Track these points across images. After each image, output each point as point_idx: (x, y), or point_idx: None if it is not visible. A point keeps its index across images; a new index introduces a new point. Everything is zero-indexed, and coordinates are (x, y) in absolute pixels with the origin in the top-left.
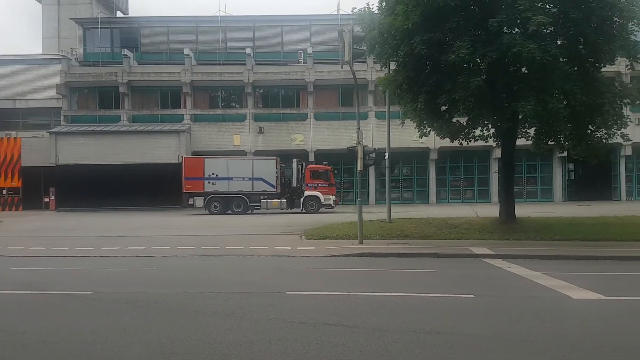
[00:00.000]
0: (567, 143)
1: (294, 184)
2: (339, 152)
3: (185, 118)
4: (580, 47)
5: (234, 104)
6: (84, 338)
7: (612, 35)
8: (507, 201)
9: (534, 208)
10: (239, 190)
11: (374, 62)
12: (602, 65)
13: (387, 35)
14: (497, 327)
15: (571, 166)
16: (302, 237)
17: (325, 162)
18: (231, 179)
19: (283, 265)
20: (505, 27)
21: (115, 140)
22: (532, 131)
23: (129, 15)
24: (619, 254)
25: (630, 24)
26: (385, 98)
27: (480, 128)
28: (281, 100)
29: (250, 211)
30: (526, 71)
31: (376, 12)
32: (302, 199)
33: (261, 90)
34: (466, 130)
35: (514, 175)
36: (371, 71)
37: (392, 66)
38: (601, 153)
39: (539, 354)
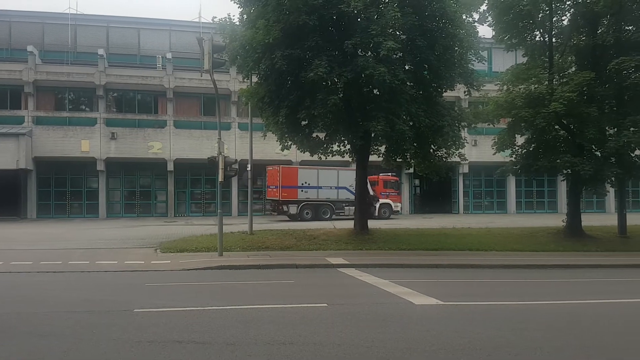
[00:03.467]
0: (412, 160)
1: (370, 192)
2: (201, 162)
3: (26, 120)
4: (425, 72)
5: (83, 107)
6: None
7: (453, 63)
8: (361, 214)
9: (385, 220)
10: (326, 198)
11: (237, 72)
12: (443, 90)
13: (249, 48)
14: (346, 334)
15: (417, 182)
16: (157, 250)
17: (392, 174)
18: (320, 187)
19: (133, 281)
20: (360, 50)
21: None
22: (382, 148)
23: None
24: (456, 262)
25: (469, 54)
26: (248, 110)
27: (337, 144)
28: (137, 106)
29: (333, 218)
30: (377, 93)
31: (237, 23)
32: (377, 206)
33: (115, 94)
34: (325, 145)
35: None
36: (234, 82)
37: (255, 79)
38: (442, 170)
39: (383, 358)
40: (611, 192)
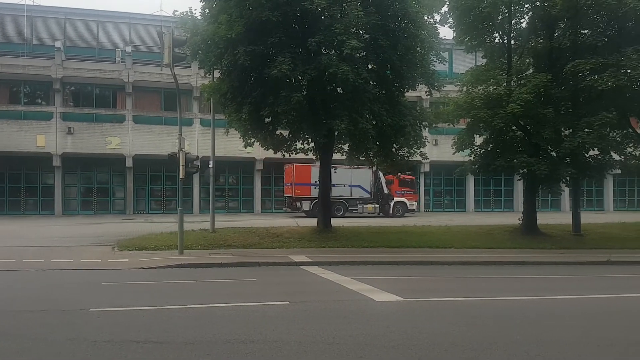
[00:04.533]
0: (375, 159)
1: (385, 191)
2: (161, 159)
3: None
4: (388, 72)
5: (39, 101)
6: None
7: (415, 64)
8: (325, 211)
9: (348, 218)
10: (340, 196)
11: (198, 68)
12: (405, 90)
13: (211, 43)
14: (308, 331)
15: None
16: (115, 248)
17: (409, 172)
18: (334, 185)
19: (90, 279)
20: (324, 48)
21: None
22: (346, 147)
23: None
24: (416, 260)
25: (430, 55)
26: (211, 106)
27: (301, 141)
28: (95, 100)
29: (347, 214)
30: (341, 91)
31: (199, 18)
32: (392, 204)
33: (72, 88)
34: (288, 142)
35: (331, 186)
36: (196, 77)
37: (217, 74)
38: (404, 169)
39: (343, 355)
40: (566, 192)
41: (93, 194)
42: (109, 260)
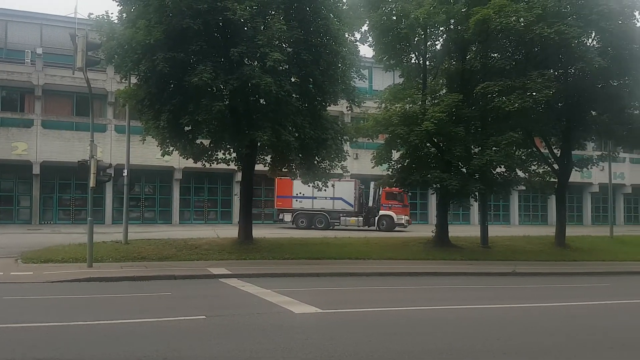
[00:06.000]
0: (298, 171)
1: (370, 204)
2: (71, 166)
3: None
4: (310, 86)
5: None
6: None
7: (336, 79)
8: (246, 223)
9: (271, 230)
10: (321, 208)
11: (114, 72)
12: (327, 104)
13: (128, 48)
14: (224, 346)
15: None
16: (19, 260)
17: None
18: (315, 197)
19: None
20: (247, 59)
21: None
22: (269, 158)
23: None
24: (336, 271)
25: (351, 71)
26: (126, 112)
27: (222, 151)
28: (1, 103)
29: (331, 227)
30: (264, 102)
31: (116, 21)
32: (377, 218)
33: None
34: (209, 152)
35: (252, 198)
36: (111, 82)
37: (134, 80)
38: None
39: None
40: (475, 206)
41: None
42: (12, 274)
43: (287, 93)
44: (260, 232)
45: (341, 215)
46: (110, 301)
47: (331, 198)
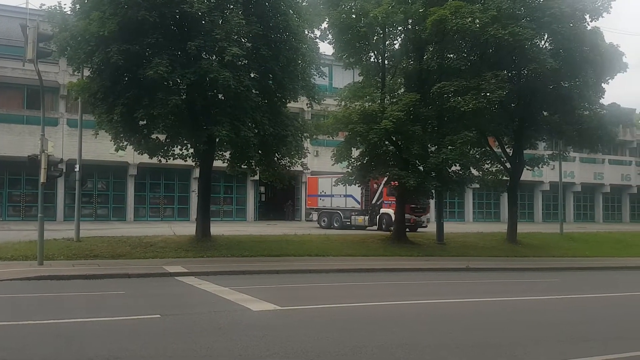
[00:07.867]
0: (257, 168)
1: (374, 201)
2: (21, 161)
3: None
4: (270, 82)
5: None
6: None
7: (296, 76)
8: (204, 220)
9: (229, 227)
10: (337, 207)
11: (67, 65)
12: (287, 101)
13: (81, 39)
14: (179, 345)
15: (262, 189)
16: None
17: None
18: (333, 195)
19: None
20: (204, 53)
21: None
22: (227, 154)
23: None
24: (296, 268)
25: (310, 68)
26: (79, 105)
27: (179, 147)
28: None
29: (345, 227)
30: (222, 97)
31: (69, 12)
32: (378, 216)
33: None
34: (166, 147)
35: (211, 194)
36: (64, 74)
37: (87, 72)
38: (285, 179)
39: None
40: (431, 203)
41: None
42: None
43: (247, 88)
44: (218, 229)
45: (352, 214)
46: (61, 300)
47: (344, 195)
